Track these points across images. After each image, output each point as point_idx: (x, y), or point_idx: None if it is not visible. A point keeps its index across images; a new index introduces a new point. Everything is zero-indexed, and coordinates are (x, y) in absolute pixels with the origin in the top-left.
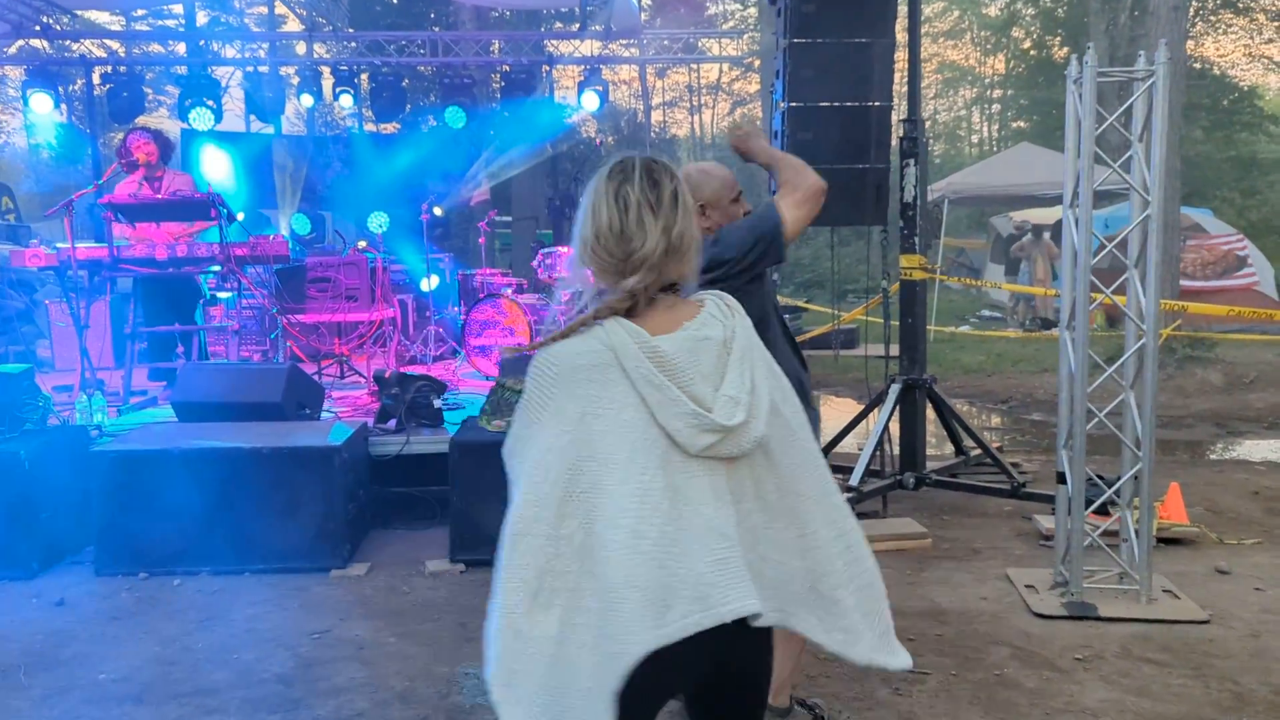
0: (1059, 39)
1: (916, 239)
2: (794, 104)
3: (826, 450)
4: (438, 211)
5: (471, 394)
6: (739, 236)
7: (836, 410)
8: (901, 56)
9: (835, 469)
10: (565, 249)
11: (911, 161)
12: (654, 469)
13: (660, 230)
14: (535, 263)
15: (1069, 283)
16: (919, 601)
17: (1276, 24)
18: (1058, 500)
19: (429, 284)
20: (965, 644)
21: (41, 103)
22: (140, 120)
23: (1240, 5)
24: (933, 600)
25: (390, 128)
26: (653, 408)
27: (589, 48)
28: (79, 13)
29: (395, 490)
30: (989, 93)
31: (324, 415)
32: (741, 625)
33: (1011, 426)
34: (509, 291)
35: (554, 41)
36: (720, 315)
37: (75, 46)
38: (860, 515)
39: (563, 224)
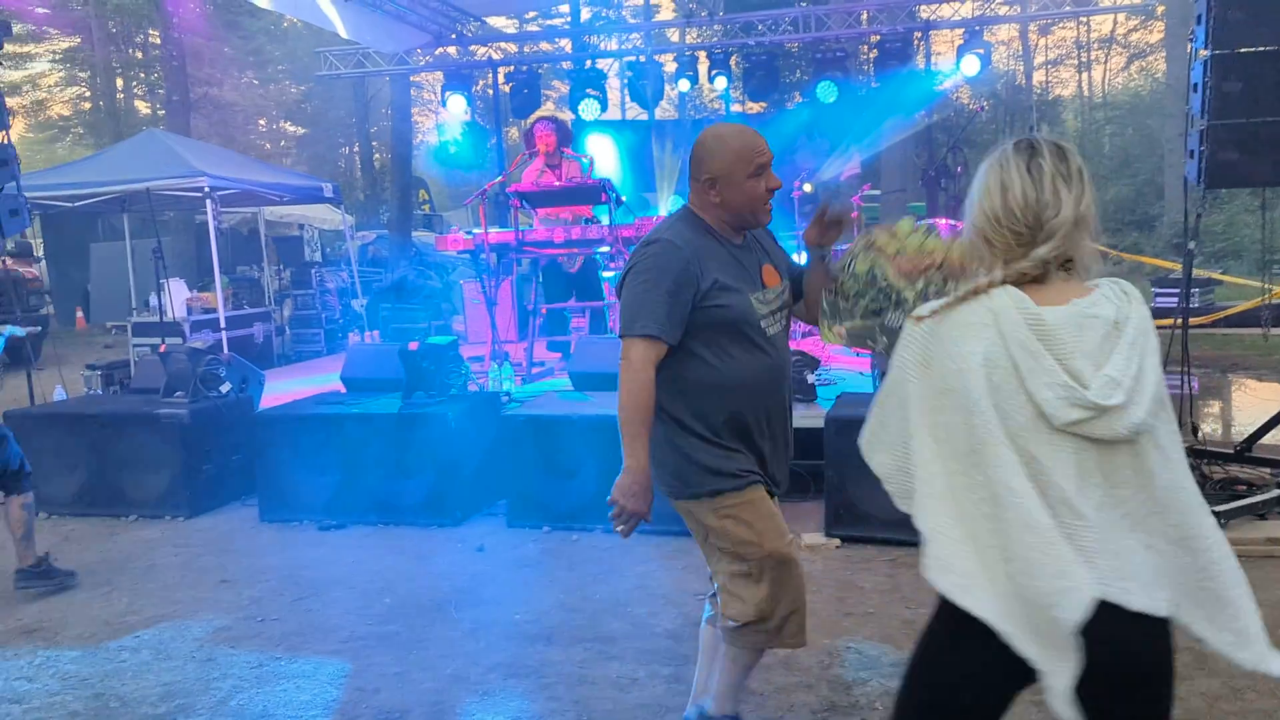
0: None
1: None
2: (1219, 51)
3: (1251, 441)
4: (808, 188)
5: (842, 370)
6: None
7: (1259, 397)
8: None
9: (1261, 462)
10: (944, 221)
11: None
12: (1014, 434)
13: (1073, 200)
14: None
15: None
16: None
17: None
18: None
19: (799, 260)
20: None
21: (456, 104)
22: (541, 112)
23: None
24: None
25: (757, 107)
26: (1023, 374)
27: (966, 9)
28: (484, 18)
29: None
30: None
31: None
32: (1116, 612)
33: None
34: None
35: (929, 6)
36: (1114, 297)
37: (479, 51)
38: None
39: (937, 195)
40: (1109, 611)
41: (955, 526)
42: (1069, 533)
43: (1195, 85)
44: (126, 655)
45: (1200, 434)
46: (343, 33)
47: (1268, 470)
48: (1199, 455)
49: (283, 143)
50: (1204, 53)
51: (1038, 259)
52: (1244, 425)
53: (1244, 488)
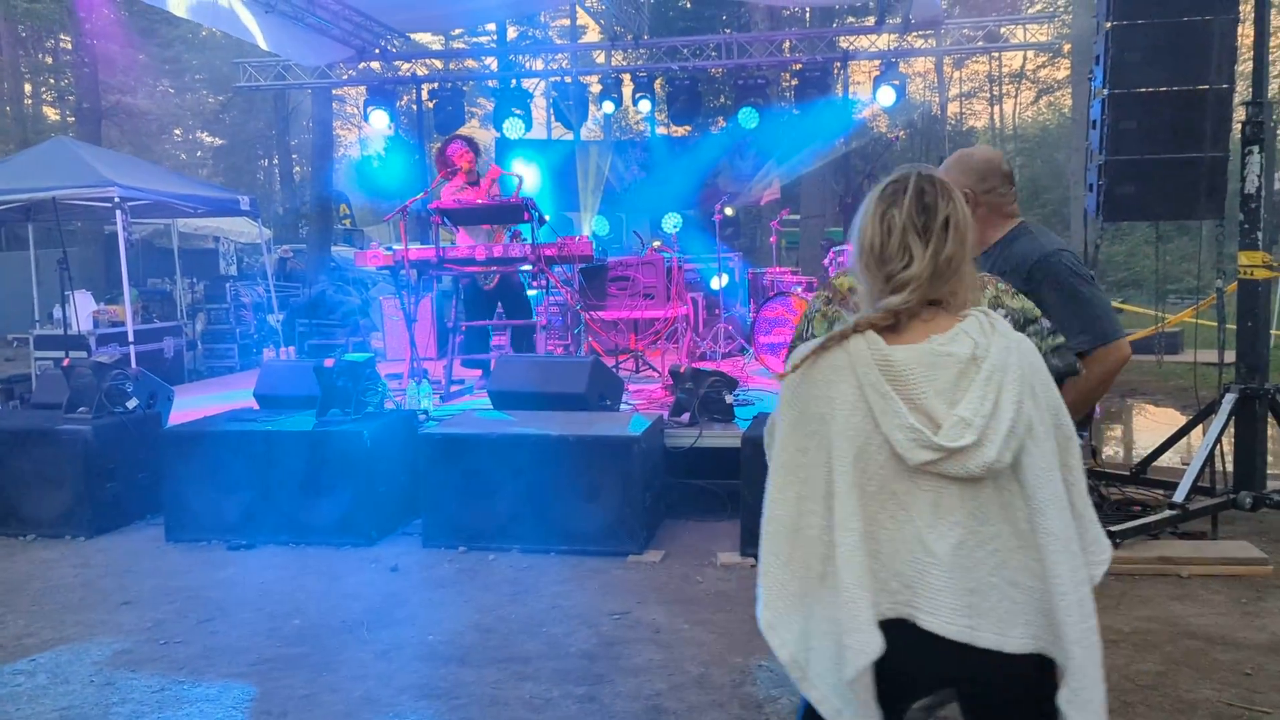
0: None
1: (1260, 234)
2: (1116, 91)
3: (1145, 464)
4: (729, 211)
5: (760, 391)
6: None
7: (1155, 421)
8: (1245, 33)
9: (1155, 484)
10: None
11: (1255, 148)
12: (874, 473)
13: (928, 256)
14: (826, 261)
15: None
16: (1257, 633)
17: None
18: None
19: (719, 282)
20: None
21: (379, 119)
22: (461, 131)
23: None
24: (1273, 632)
25: (681, 130)
26: (877, 415)
27: (884, 41)
28: (409, 35)
29: (688, 482)
30: None
31: (622, 407)
32: (964, 649)
33: None
34: (798, 290)
35: (848, 37)
36: (974, 332)
37: (404, 66)
38: (1185, 535)
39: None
40: (956, 649)
41: (783, 567)
42: (919, 570)
43: (1094, 122)
44: (22, 679)
45: (1099, 456)
46: (263, 45)
47: (1160, 491)
48: (1098, 477)
49: (199, 154)
50: (1102, 91)
51: (887, 309)
52: (1142, 448)
53: (1139, 508)
